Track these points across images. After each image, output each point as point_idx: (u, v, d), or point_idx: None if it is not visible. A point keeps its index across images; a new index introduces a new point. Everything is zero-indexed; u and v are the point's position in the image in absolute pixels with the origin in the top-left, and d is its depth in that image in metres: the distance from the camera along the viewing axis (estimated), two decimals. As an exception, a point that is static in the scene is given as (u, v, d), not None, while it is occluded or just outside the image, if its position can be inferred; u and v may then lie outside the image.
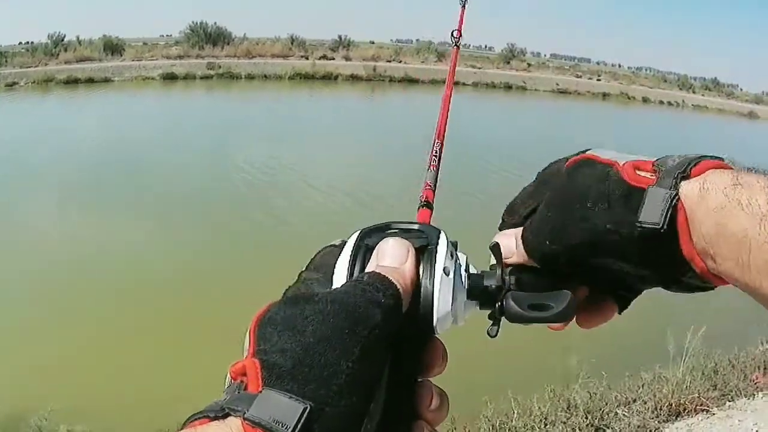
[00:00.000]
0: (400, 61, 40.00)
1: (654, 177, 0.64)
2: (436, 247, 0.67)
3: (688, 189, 0.61)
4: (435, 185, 1.03)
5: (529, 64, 48.30)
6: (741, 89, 60.25)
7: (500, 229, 0.80)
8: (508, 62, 46.80)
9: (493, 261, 0.73)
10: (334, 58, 37.89)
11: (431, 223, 0.81)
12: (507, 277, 0.71)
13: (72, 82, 28.14)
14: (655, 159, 0.66)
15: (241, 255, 9.11)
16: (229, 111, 23.66)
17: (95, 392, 5.82)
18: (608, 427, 4.78)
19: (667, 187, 0.61)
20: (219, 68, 31.91)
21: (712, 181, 0.60)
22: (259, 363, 0.53)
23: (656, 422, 4.90)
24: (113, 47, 34.63)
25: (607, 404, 4.96)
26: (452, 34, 1.78)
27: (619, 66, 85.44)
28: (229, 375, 0.55)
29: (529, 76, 41.81)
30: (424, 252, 0.66)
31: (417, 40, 55.69)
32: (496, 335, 0.72)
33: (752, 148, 25.50)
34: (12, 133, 18.14)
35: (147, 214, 10.84)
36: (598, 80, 47.15)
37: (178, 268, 8.62)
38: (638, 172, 0.65)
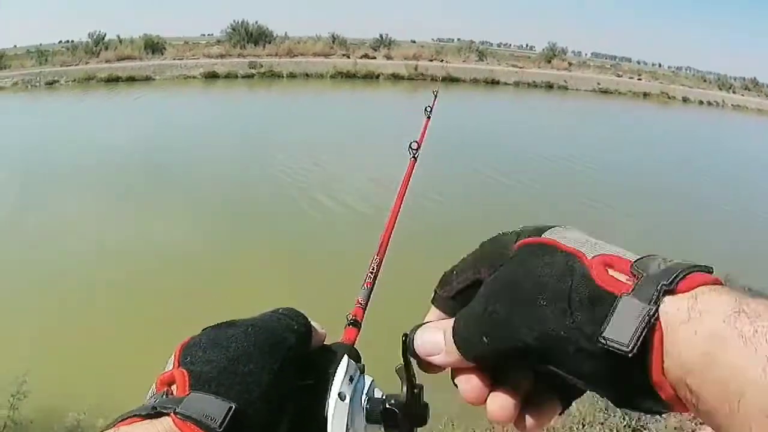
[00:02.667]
0: (442, 60, 39.87)
1: (630, 282, 0.54)
2: (334, 371, 0.68)
3: (672, 306, 0.51)
4: (366, 304, 0.99)
5: (570, 63, 47.95)
6: (782, 89, 59.58)
7: (432, 303, 0.73)
8: (549, 61, 46.50)
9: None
10: (375, 57, 37.93)
11: (357, 344, 0.82)
12: (411, 405, 0.70)
13: (113, 80, 28.50)
14: (635, 259, 0.56)
15: (273, 254, 9.15)
16: (271, 110, 23.84)
17: (132, 389, 5.73)
18: (645, 428, 4.92)
19: (645, 300, 0.51)
20: (260, 67, 32.02)
21: (707, 302, 0.50)
22: (186, 372, 0.57)
23: (693, 423, 4.96)
24: (154, 46, 35.18)
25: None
26: (410, 146, 1.71)
27: (659, 65, 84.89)
28: (154, 386, 0.59)
29: (570, 76, 41.43)
30: (327, 378, 0.68)
31: (458, 39, 55.59)
32: None
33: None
34: (51, 131, 18.43)
35: (181, 210, 10.99)
36: (639, 80, 46.76)
37: (215, 266, 8.61)
38: (610, 271, 0.55)
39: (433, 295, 0.73)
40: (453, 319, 0.66)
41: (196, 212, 10.84)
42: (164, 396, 0.55)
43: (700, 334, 0.47)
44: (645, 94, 41.79)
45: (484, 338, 0.60)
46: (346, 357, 0.69)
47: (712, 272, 0.53)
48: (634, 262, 0.55)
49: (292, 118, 21.45)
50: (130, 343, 6.46)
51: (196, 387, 0.54)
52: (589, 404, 4.86)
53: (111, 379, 5.82)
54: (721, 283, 0.52)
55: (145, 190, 12.00)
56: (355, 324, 0.90)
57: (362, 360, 0.74)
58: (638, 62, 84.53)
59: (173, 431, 0.50)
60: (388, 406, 0.69)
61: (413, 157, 1.67)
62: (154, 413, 0.51)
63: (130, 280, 7.98)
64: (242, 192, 12.45)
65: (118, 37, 36.93)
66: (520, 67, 41.73)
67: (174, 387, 0.56)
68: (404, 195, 1.38)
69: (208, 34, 62.68)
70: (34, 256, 8.79)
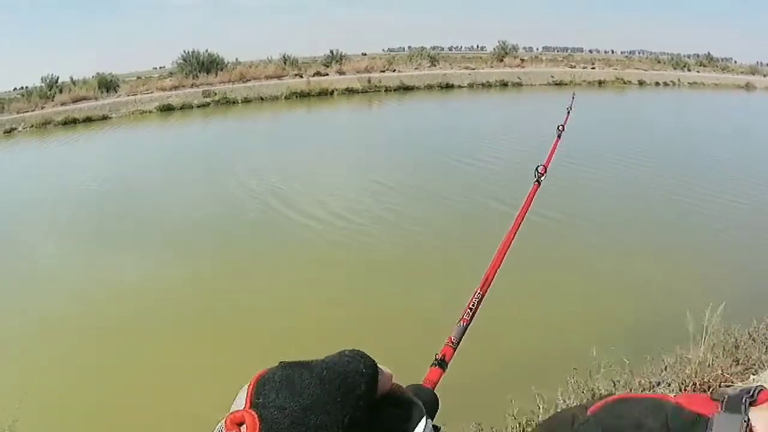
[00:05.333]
0: (394, 70, 40.12)
1: (716, 405, 0.62)
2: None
3: (756, 414, 0.60)
4: (458, 343, 0.98)
5: (522, 60, 48.14)
6: (735, 62, 60.42)
7: None
8: (501, 60, 46.76)
9: None
10: (327, 74, 38.03)
11: (437, 387, 0.84)
12: None
13: (70, 122, 28.40)
14: (710, 392, 0.65)
15: (250, 280, 9.15)
16: (228, 137, 23.75)
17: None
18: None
19: (737, 412, 0.60)
20: (215, 95, 32.11)
21: None
22: (257, 416, 0.56)
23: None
24: (108, 84, 35.00)
25: (631, 390, 4.91)
26: (536, 170, 1.69)
27: (612, 52, 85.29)
28: (223, 423, 0.58)
29: (524, 72, 41.62)
30: None
31: (409, 47, 55.75)
32: None
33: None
34: (18, 177, 18.53)
35: (155, 245, 10.92)
36: (593, 68, 47.20)
37: (189, 297, 8.63)
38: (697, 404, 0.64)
39: None
40: None
41: (182, 249, 10.74)
42: None
43: None
44: (600, 82, 42.19)
45: None
46: (424, 420, 0.68)
47: None
48: (711, 393, 0.64)
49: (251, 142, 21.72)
50: (115, 391, 6.39)
51: None
52: (575, 395, 4.88)
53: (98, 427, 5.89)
54: None
55: (132, 232, 11.84)
56: (442, 365, 0.91)
57: (440, 405, 0.75)
58: (591, 51, 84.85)
59: None
60: None
61: (537, 181, 1.66)
62: None
63: (117, 326, 7.85)
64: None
65: (71, 78, 36.76)
66: (473, 69, 42.04)
67: (243, 428, 0.56)
68: (521, 224, 1.37)
69: (161, 67, 62.01)
70: (11, 304, 8.75)
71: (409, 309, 7.88)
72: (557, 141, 2.17)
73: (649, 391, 5.00)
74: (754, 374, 5.17)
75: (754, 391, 0.62)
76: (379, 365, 0.67)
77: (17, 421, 4.97)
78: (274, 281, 9.03)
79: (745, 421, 0.59)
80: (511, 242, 1.27)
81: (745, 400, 0.60)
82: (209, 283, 9.02)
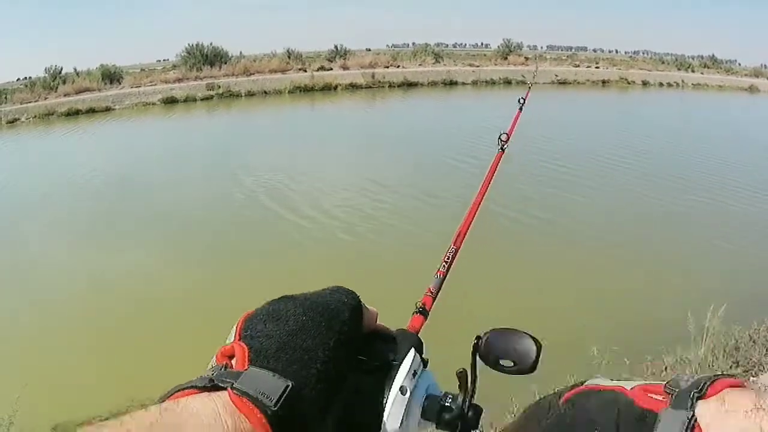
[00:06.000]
0: (398, 66, 40.02)
1: (666, 399, 0.63)
2: (399, 364, 0.68)
3: (705, 409, 0.59)
4: (437, 293, 1.04)
5: (526, 58, 48.02)
6: (739, 64, 60.46)
7: None
8: (506, 58, 46.65)
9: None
10: (331, 69, 38.02)
11: (421, 332, 0.87)
12: (466, 408, 0.71)
13: (73, 113, 28.27)
14: (666, 382, 0.65)
15: (249, 278, 9.09)
16: (231, 131, 23.76)
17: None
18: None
19: (683, 408, 0.60)
20: (218, 88, 32.00)
21: (732, 402, 0.58)
22: (246, 346, 0.59)
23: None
24: (111, 76, 35.00)
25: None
26: (500, 138, 1.78)
27: (616, 52, 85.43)
28: (214, 358, 0.61)
29: (528, 70, 41.39)
30: (389, 368, 0.68)
31: (413, 43, 55.72)
32: None
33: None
34: (19, 167, 18.58)
35: (155, 243, 10.92)
36: (597, 68, 47.11)
37: (190, 294, 8.61)
38: (649, 395, 0.64)
39: None
40: None
41: (182, 244, 10.80)
42: (223, 369, 0.57)
43: (729, 428, 0.56)
44: (604, 82, 42.16)
45: None
46: (413, 351, 0.70)
47: (735, 376, 0.63)
48: (666, 383, 0.64)
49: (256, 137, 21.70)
50: (114, 389, 6.04)
51: (255, 362, 0.56)
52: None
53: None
54: (743, 385, 0.61)
55: (134, 228, 11.78)
56: (423, 312, 0.96)
57: (425, 349, 0.75)
58: (595, 50, 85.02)
59: (229, 406, 0.51)
60: (445, 404, 0.70)
61: (501, 149, 1.72)
62: (211, 386, 0.53)
63: (116, 325, 7.82)
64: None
65: (75, 69, 36.86)
66: (477, 66, 42.00)
67: (234, 360, 0.58)
68: (488, 186, 1.44)
69: (164, 60, 61.90)
70: (16, 298, 8.74)
71: (409, 309, 7.80)
72: (519, 113, 2.36)
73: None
74: (753, 376, 5.13)
75: (703, 384, 0.61)
76: (363, 303, 0.71)
77: (17, 412, 4.94)
78: (274, 281, 8.89)
79: (689, 418, 0.58)
80: (480, 202, 1.37)
81: (693, 395, 0.60)
82: (209, 282, 8.98)
